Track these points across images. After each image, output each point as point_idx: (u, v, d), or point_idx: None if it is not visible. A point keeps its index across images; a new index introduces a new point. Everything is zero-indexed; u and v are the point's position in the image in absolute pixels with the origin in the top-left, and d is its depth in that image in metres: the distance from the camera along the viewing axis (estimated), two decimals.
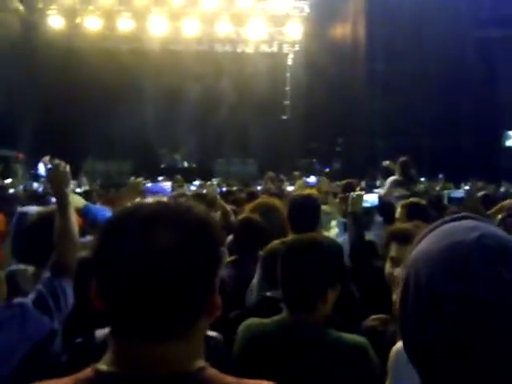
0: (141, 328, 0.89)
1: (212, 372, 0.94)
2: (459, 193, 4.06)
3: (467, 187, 10.30)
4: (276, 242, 2.63)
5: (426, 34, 17.05)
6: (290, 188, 8.26)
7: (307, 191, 5.21)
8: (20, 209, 2.95)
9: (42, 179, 8.77)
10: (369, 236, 3.94)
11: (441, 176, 12.68)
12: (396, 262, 2.34)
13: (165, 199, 0.99)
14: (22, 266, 2.44)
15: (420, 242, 0.93)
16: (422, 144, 17.26)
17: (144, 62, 18.62)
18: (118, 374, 0.89)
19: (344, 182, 6.72)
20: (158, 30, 18.64)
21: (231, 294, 2.84)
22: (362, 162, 16.60)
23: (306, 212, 3.28)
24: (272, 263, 2.15)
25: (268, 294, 2.25)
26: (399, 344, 1.73)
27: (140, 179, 7.51)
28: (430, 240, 0.90)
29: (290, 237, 3.29)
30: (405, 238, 2.29)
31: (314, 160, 18.86)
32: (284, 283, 1.94)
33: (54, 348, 1.94)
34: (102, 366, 0.91)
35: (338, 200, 5.00)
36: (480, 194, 4.27)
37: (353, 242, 2.99)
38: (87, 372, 0.91)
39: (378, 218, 4.61)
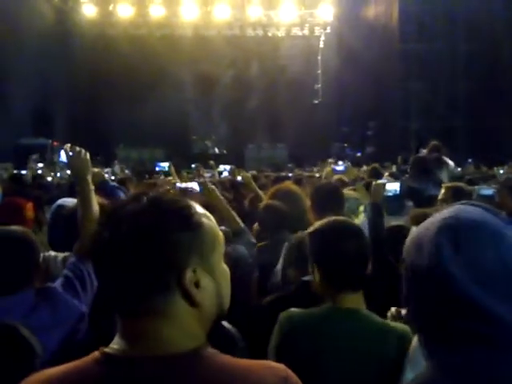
0: (119, 304, 1.01)
1: (209, 353, 1.00)
2: (489, 190, 3.99)
3: (502, 171, 10.06)
4: (302, 233, 2.63)
5: (458, 12, 16.60)
6: (317, 174, 8.22)
7: (335, 178, 5.20)
8: (58, 201, 3.07)
9: (63, 165, 8.98)
10: (399, 221, 3.95)
11: (470, 161, 12.42)
12: None
13: (145, 192, 1.09)
14: (52, 253, 2.54)
15: None
16: (456, 125, 16.90)
17: (175, 49, 18.71)
18: (118, 354, 0.98)
19: (369, 167, 6.67)
20: (189, 15, 18.68)
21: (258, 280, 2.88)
22: (394, 146, 16.35)
23: (330, 197, 3.28)
24: (303, 250, 2.17)
25: (306, 278, 2.24)
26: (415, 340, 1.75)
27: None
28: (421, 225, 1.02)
29: (316, 222, 3.34)
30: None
31: (346, 144, 18.70)
32: (325, 263, 1.94)
33: (82, 330, 2.03)
34: (108, 348, 1.00)
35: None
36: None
37: (370, 233, 2.97)
38: (95, 353, 1.00)
39: (409, 203, 4.59)
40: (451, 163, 6.47)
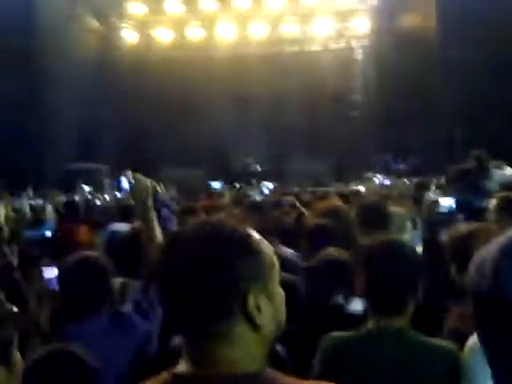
0: (184, 327, 1.07)
1: (271, 373, 1.07)
2: None
3: None
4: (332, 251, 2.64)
5: (500, 20, 16.26)
6: (361, 188, 8.17)
7: (380, 193, 5.18)
8: (112, 226, 3.18)
9: (125, 192, 9.21)
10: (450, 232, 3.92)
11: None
12: None
13: (207, 219, 1.18)
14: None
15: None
16: (503, 133, 16.46)
17: (214, 69, 18.99)
18: (185, 375, 1.04)
19: (416, 181, 6.58)
20: (226, 35, 19.00)
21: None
22: (438, 157, 16.05)
23: (376, 215, 3.29)
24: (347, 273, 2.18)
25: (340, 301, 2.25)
26: (473, 340, 1.73)
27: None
28: (489, 248, 0.95)
29: (363, 240, 3.34)
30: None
31: (390, 156, 18.47)
32: (373, 286, 1.95)
33: (153, 350, 2.12)
34: (176, 369, 1.07)
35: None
36: None
37: (424, 252, 2.94)
38: (165, 375, 1.08)
39: (460, 216, 4.54)
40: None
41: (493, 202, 4.00)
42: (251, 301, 1.04)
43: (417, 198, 5.03)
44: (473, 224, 2.69)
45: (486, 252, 0.95)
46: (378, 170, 16.81)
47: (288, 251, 3.63)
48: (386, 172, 16.51)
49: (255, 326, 1.05)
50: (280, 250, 3.34)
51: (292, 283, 2.69)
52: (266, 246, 1.12)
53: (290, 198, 6.09)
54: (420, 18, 18.78)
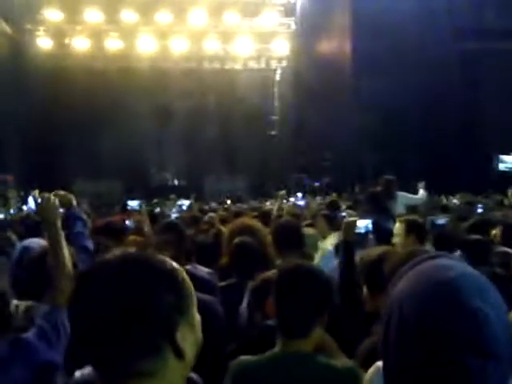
0: (106, 366, 1.00)
1: None
2: (442, 219, 4.20)
3: (455, 201, 10.46)
4: (268, 273, 2.66)
5: (409, 47, 17.31)
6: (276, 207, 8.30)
7: (294, 212, 5.32)
8: (24, 242, 2.98)
9: (32, 212, 8.77)
10: (362, 254, 4.08)
11: (421, 184, 12.60)
12: None
13: (129, 252, 1.09)
14: (13, 302, 2.47)
15: (400, 278, 1.01)
16: (408, 156, 17.46)
17: (132, 81, 18.71)
18: None
19: (328, 200, 6.82)
20: (146, 48, 18.80)
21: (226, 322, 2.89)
22: (350, 176, 16.74)
23: (291, 236, 3.37)
24: (265, 293, 2.21)
25: (270, 322, 2.26)
26: (379, 364, 1.81)
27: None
28: (412, 279, 0.98)
29: (279, 261, 3.41)
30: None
31: (304, 175, 18.99)
32: (281, 309, 1.99)
33: (56, 381, 2.00)
34: None
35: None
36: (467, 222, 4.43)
37: (342, 272, 3.03)
38: None
39: (371, 237, 4.72)
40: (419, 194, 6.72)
41: (398, 225, 4.20)
42: (179, 334, 1.02)
43: (330, 217, 5.20)
44: (383, 247, 2.81)
45: (406, 280, 0.98)
46: (293, 187, 17.23)
47: (204, 270, 3.61)
48: (301, 190, 16.96)
49: (181, 357, 1.02)
50: (196, 270, 3.32)
51: (209, 304, 2.69)
52: (185, 275, 1.10)
53: (208, 215, 6.10)
54: (336, 45, 19.59)
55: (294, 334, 1.95)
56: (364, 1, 17.86)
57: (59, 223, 2.27)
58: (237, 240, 3.42)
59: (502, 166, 10.86)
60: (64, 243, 2.25)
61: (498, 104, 17.69)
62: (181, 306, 1.04)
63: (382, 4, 17.11)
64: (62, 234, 2.26)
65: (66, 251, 2.22)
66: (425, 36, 17.23)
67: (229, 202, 12.07)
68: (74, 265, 2.37)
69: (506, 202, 9.87)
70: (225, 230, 4.70)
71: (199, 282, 2.93)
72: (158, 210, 6.89)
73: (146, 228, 4.72)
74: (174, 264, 1.09)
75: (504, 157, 10.87)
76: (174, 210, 8.42)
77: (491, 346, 0.87)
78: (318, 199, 12.77)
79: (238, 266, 3.37)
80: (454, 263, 0.98)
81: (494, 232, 4.87)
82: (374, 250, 2.68)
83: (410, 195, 7.03)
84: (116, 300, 0.99)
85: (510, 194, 10.68)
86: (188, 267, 3.24)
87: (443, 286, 0.92)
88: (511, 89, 17.53)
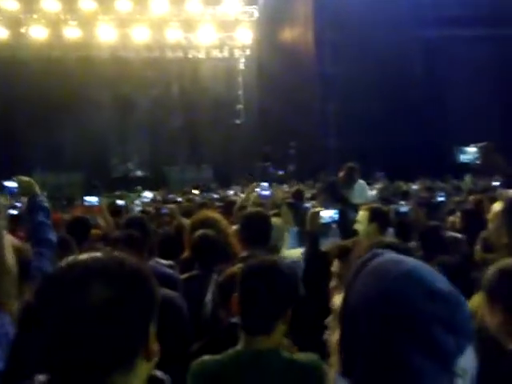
0: (75, 378, 0.96)
1: None
2: (405, 207, 4.26)
3: (415, 186, 10.66)
4: (233, 268, 2.63)
5: (372, 36, 17.44)
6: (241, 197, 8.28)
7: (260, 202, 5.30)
8: None
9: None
10: (326, 243, 4.09)
11: (381, 174, 12.74)
12: (339, 278, 2.49)
13: (99, 254, 1.04)
14: None
15: (355, 276, 1.01)
16: (370, 144, 17.66)
17: (93, 70, 18.32)
18: None
19: (293, 189, 6.84)
20: (105, 37, 18.41)
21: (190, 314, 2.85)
22: (315, 164, 16.85)
23: (258, 230, 3.32)
24: (229, 290, 2.17)
25: (234, 320, 2.22)
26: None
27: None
28: (365, 280, 0.99)
29: (243, 253, 3.39)
30: (345, 255, 2.46)
31: (269, 163, 19.01)
32: (244, 307, 1.96)
33: None
34: None
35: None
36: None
37: (307, 262, 3.03)
38: None
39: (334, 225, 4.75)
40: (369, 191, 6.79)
41: (361, 213, 4.24)
42: (152, 337, 1.01)
43: (294, 207, 5.21)
44: (350, 239, 2.83)
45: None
46: (258, 176, 17.24)
47: (166, 263, 3.56)
48: (266, 178, 16.98)
49: (150, 359, 1.02)
50: (158, 266, 3.27)
51: (172, 300, 2.65)
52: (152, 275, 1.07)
53: (170, 207, 6.02)
54: (299, 33, 19.60)
55: (257, 331, 1.93)
56: None
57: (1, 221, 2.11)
58: (198, 233, 3.39)
59: (463, 158, 11.01)
60: (5, 242, 2.02)
61: (459, 94, 18.06)
62: (155, 311, 1.04)
63: None
64: (4, 234, 2.04)
65: (7, 251, 2.01)
66: (387, 24, 17.36)
67: (197, 191, 11.97)
68: (25, 260, 2.25)
69: (463, 186, 10.10)
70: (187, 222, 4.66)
71: (162, 278, 2.92)
72: (121, 202, 6.75)
73: (106, 223, 4.62)
74: (144, 266, 1.07)
75: (465, 148, 11.04)
76: (137, 201, 8.29)
77: (466, 326, 0.91)
78: (284, 187, 12.81)
79: (199, 258, 3.35)
80: (401, 258, 1.00)
81: (451, 219, 4.98)
82: (344, 242, 2.70)
83: (366, 192, 6.99)
84: (89, 310, 0.95)
85: (466, 179, 10.95)
86: (151, 263, 3.19)
87: (405, 276, 0.94)
88: (472, 78, 17.91)
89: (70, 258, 1.03)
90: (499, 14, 18.51)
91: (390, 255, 1.02)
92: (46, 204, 2.78)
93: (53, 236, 2.66)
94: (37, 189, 2.77)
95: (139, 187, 9.64)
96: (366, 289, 0.97)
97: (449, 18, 18.69)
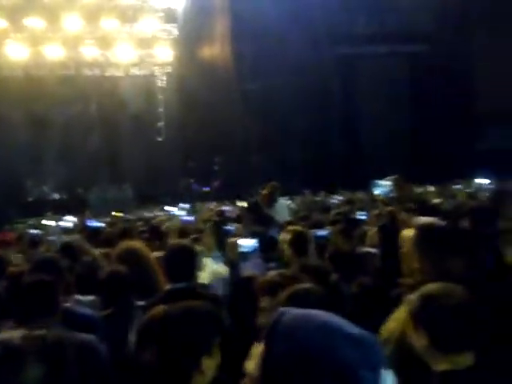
0: None
1: None
2: (323, 231, 4.36)
3: (334, 200, 10.97)
4: (156, 310, 2.54)
5: (290, 53, 17.84)
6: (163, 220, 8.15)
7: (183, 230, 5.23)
8: None
9: None
10: (248, 265, 4.10)
11: (307, 191, 13.19)
12: (268, 312, 2.49)
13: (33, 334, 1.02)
14: None
15: (268, 340, 1.05)
16: (294, 157, 18.04)
17: (4, 90, 17.46)
18: None
19: (217, 209, 6.83)
20: (17, 55, 17.67)
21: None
22: (239, 180, 16.97)
23: (182, 263, 3.27)
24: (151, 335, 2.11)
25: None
26: None
27: None
28: (282, 343, 1.02)
29: (167, 286, 3.32)
30: (275, 290, 2.46)
31: (192, 180, 18.90)
32: (161, 355, 1.89)
33: None
34: None
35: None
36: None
37: (230, 291, 3.02)
38: None
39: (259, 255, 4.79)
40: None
41: (282, 236, 4.27)
42: None
43: (218, 230, 5.18)
44: (280, 274, 2.82)
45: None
46: (181, 193, 17.12)
47: (86, 300, 3.41)
48: (189, 195, 16.88)
49: None
50: (76, 307, 3.10)
51: (90, 344, 2.53)
52: None
53: (76, 238, 5.75)
54: (218, 50, 19.74)
55: (172, 380, 1.88)
56: (243, 4, 18.11)
57: None
58: (106, 269, 3.30)
59: (377, 191, 11.05)
60: None
61: (371, 117, 18.90)
62: None
63: (261, 8, 17.44)
64: None
65: None
66: (304, 39, 17.83)
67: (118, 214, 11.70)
68: None
69: (377, 197, 10.33)
70: (105, 252, 4.51)
71: (80, 320, 2.80)
72: (35, 232, 6.41)
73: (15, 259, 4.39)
74: None
75: (379, 181, 11.20)
76: (55, 228, 7.93)
77: (381, 362, 1.02)
78: (211, 205, 12.76)
79: (110, 297, 3.25)
80: (308, 312, 1.07)
81: (369, 234, 5.12)
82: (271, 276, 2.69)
83: (285, 211, 7.07)
84: None
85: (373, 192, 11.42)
86: (68, 304, 3.04)
87: (322, 328, 1.01)
88: (385, 97, 18.76)
89: None
90: (406, 31, 19.60)
91: (295, 312, 1.06)
92: None
93: None
94: None
95: (49, 213, 9.22)
96: (290, 349, 0.99)
97: (360, 35, 19.55)
